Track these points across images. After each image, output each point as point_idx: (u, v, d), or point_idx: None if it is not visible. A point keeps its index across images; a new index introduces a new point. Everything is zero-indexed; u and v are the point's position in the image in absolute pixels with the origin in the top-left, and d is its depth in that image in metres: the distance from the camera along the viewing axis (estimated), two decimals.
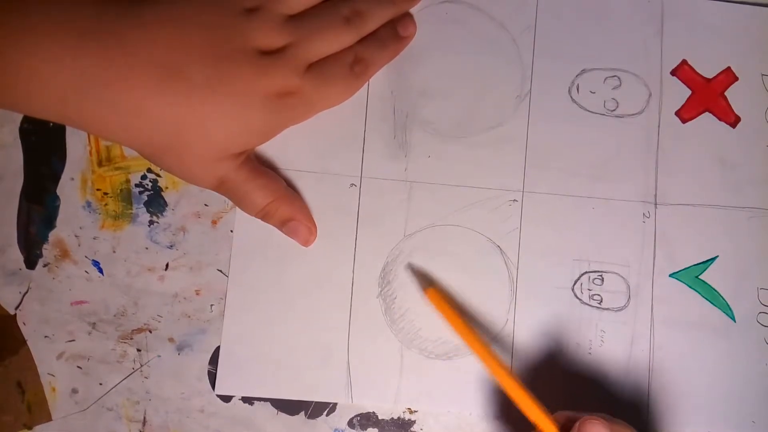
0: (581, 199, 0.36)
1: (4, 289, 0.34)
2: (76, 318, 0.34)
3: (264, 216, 0.33)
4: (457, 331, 0.32)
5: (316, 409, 0.34)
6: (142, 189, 0.35)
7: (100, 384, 0.34)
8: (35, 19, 0.27)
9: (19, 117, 0.35)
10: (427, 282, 0.34)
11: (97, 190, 0.35)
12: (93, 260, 0.34)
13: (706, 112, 0.37)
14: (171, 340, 0.34)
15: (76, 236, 0.35)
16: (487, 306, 0.35)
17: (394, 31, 0.34)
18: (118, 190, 0.35)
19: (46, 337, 0.34)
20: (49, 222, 0.34)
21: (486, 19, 0.36)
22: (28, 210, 0.35)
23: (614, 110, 0.36)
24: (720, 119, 0.37)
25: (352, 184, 0.35)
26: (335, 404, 0.34)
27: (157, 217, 0.35)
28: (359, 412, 0.34)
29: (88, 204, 0.35)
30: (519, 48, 0.36)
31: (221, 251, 0.35)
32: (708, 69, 0.37)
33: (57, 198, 0.35)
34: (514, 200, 0.35)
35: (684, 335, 0.35)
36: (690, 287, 0.35)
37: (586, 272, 0.35)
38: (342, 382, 0.34)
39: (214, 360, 0.34)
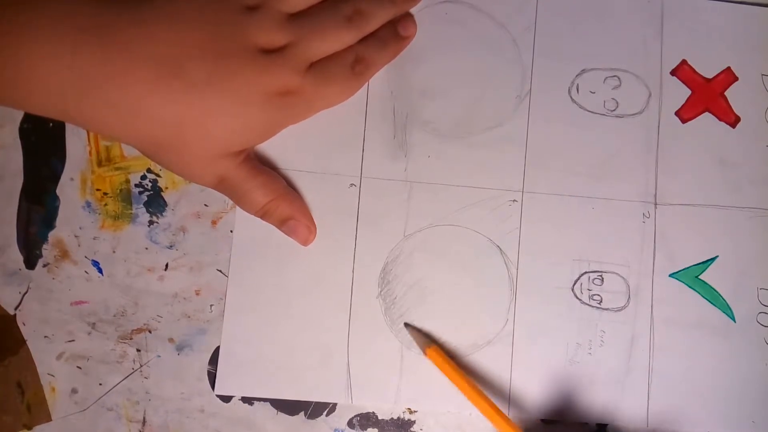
0: (581, 199, 0.36)
1: (4, 289, 0.34)
2: (76, 318, 0.34)
3: (263, 215, 0.33)
4: (460, 388, 0.32)
5: (315, 409, 0.34)
6: (141, 189, 0.35)
7: (100, 384, 0.34)
8: (34, 15, 0.26)
9: (19, 117, 0.35)
10: (427, 341, 0.34)
11: (97, 190, 0.35)
12: (93, 260, 0.34)
13: (706, 112, 0.37)
14: (171, 340, 0.34)
15: (75, 236, 0.34)
16: (487, 306, 0.35)
17: (395, 31, 0.34)
18: (118, 190, 0.35)
19: (45, 337, 0.34)
20: (49, 222, 0.34)
21: (486, 19, 0.36)
22: (28, 210, 0.34)
23: (614, 110, 0.36)
24: (720, 119, 0.37)
25: (352, 184, 0.35)
26: (335, 404, 0.34)
27: (157, 217, 0.35)
28: (359, 412, 0.34)
29: (88, 204, 0.35)
30: (519, 48, 0.36)
31: (221, 251, 0.35)
32: (708, 69, 0.37)
33: (57, 198, 0.35)
34: (514, 200, 0.35)
35: (684, 335, 0.35)
36: (690, 287, 0.35)
37: (585, 272, 0.35)
38: (342, 382, 0.34)
39: (214, 360, 0.34)
